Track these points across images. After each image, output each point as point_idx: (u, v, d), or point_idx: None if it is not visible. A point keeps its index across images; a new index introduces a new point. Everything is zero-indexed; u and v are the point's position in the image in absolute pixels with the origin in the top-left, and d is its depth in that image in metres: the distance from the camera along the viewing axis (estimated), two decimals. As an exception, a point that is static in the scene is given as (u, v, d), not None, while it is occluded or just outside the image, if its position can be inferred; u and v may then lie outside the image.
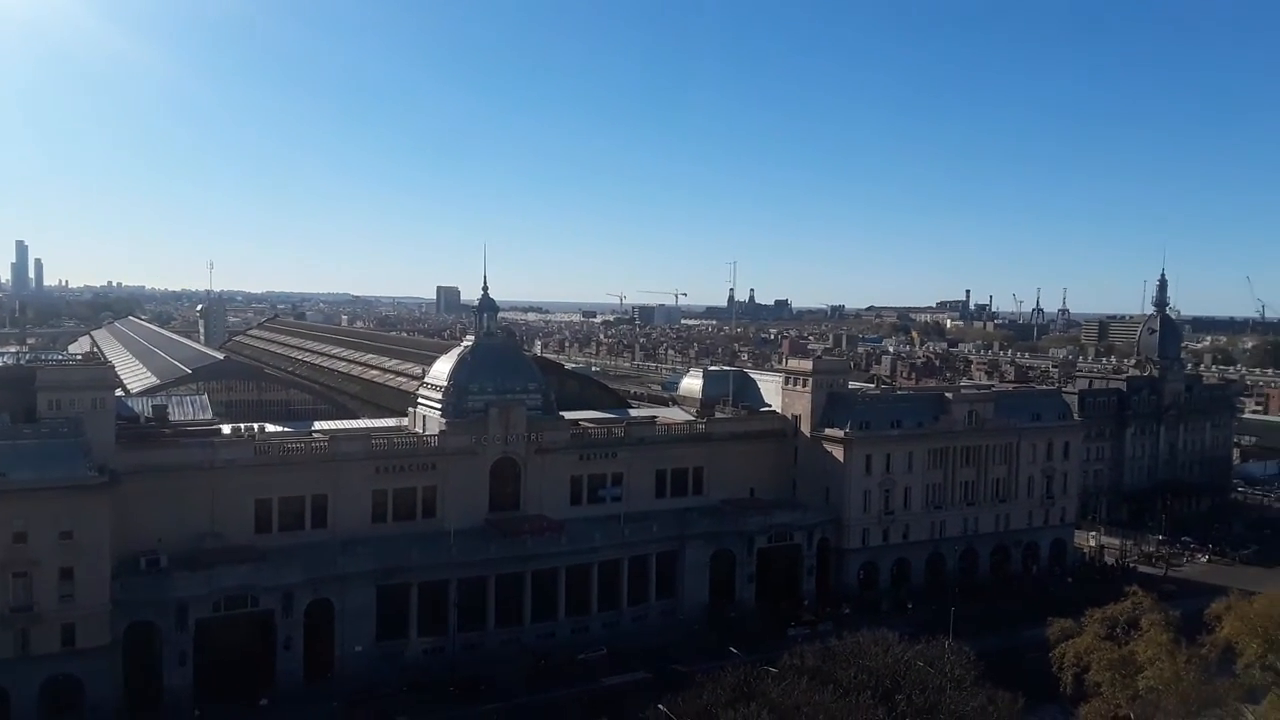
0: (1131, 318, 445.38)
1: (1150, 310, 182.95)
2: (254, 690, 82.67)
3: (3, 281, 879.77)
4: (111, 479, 78.80)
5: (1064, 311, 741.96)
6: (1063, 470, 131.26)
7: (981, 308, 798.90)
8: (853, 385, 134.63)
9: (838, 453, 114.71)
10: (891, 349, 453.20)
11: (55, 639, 76.53)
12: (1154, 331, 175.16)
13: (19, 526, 74.91)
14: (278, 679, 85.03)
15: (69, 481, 76.38)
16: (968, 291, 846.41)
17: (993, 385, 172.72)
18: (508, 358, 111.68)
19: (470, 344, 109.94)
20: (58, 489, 75.85)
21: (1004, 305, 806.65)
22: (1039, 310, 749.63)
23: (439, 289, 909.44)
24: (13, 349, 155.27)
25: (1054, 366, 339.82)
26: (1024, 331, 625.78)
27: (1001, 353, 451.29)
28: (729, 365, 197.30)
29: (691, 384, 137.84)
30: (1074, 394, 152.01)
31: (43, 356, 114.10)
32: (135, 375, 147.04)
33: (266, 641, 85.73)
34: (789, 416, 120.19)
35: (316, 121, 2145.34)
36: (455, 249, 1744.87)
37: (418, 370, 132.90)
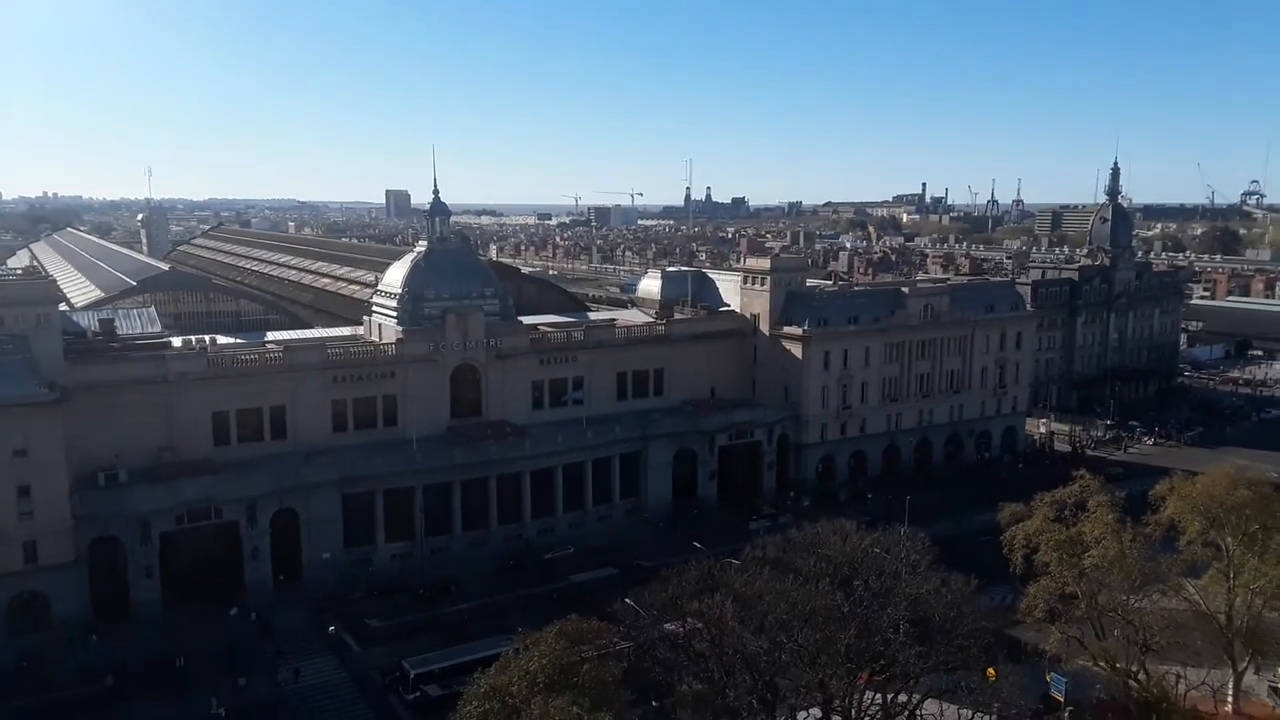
0: (1084, 207, 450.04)
1: (1103, 199, 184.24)
2: (224, 600, 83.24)
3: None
4: (63, 395, 77.26)
5: (1018, 203, 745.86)
6: (1015, 360, 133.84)
7: (937, 201, 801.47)
8: (811, 283, 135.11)
9: (796, 350, 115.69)
10: (849, 245, 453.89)
11: (17, 557, 76.14)
12: (1106, 220, 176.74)
13: (-31, 447, 73.57)
14: (247, 588, 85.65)
15: (19, 399, 74.82)
16: (924, 185, 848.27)
17: (948, 279, 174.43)
18: (463, 263, 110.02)
19: (423, 250, 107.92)
20: (7, 407, 74.33)
21: (959, 198, 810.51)
22: (994, 202, 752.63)
23: (388, 193, 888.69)
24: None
25: (1008, 258, 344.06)
26: (979, 224, 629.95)
27: (957, 246, 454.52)
28: (687, 266, 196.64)
29: (650, 285, 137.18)
30: (1027, 285, 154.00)
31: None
32: (79, 289, 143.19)
33: (233, 552, 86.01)
34: (748, 316, 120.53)
35: (255, 20, 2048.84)
36: (404, 151, 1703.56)
37: (370, 278, 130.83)
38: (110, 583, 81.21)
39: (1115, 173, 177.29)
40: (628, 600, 58.40)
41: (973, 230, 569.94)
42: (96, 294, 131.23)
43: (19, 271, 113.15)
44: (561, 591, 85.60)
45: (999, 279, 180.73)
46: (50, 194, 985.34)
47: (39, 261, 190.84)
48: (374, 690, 70.97)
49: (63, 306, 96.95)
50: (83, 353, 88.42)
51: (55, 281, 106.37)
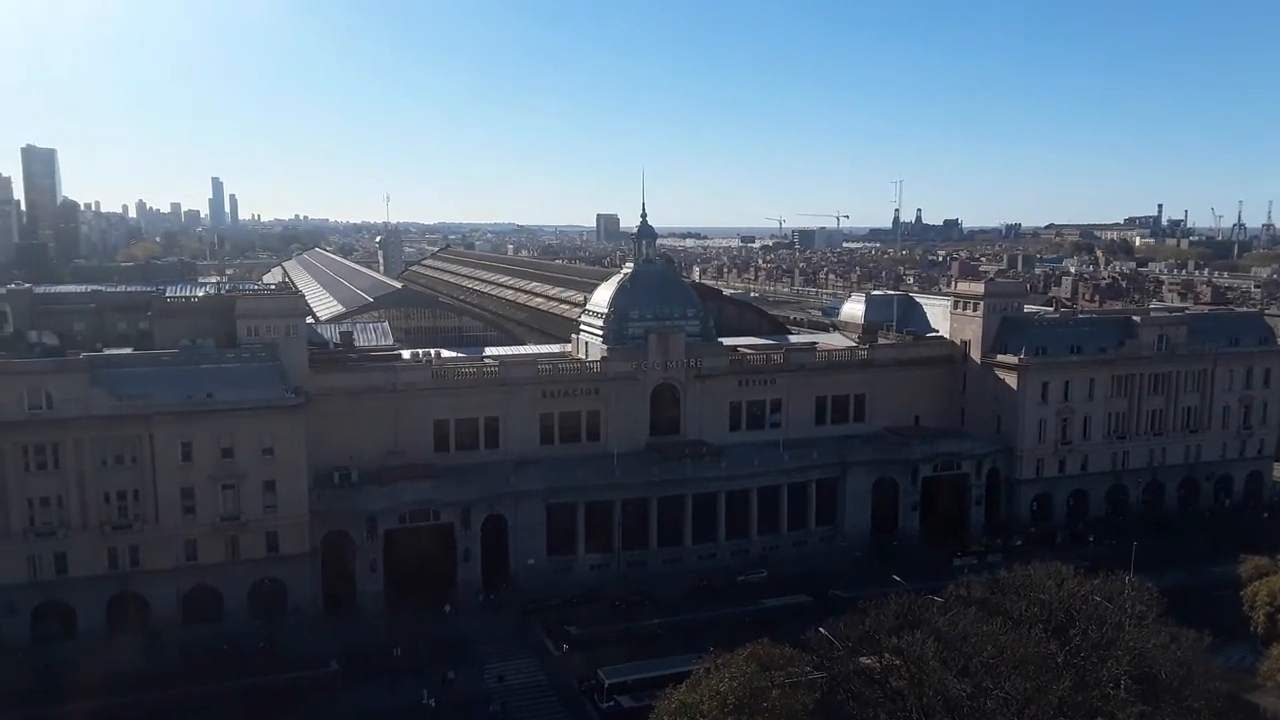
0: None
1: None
2: (438, 597, 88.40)
3: (202, 216, 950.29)
4: (306, 400, 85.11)
5: (1269, 226, 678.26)
6: (1263, 399, 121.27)
7: (1175, 224, 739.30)
8: (1029, 308, 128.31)
9: (1011, 380, 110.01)
10: (1073, 269, 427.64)
11: (261, 545, 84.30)
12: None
13: (226, 443, 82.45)
14: (458, 587, 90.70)
15: (269, 402, 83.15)
16: (1160, 206, 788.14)
17: (1186, 308, 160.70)
18: (666, 284, 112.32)
19: (629, 271, 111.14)
20: (259, 409, 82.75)
21: (1201, 221, 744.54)
22: (1240, 226, 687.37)
23: (599, 217, 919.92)
24: (213, 279, 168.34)
25: (1256, 287, 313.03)
26: (1223, 249, 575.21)
27: (1197, 272, 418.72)
28: (893, 289, 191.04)
29: (853, 309, 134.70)
30: (1278, 316, 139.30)
31: (240, 286, 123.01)
32: (323, 303, 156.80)
33: (447, 552, 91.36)
34: (957, 342, 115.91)
35: (482, 61, 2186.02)
36: (614, 177, 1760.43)
37: (579, 298, 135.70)
38: (338, 574, 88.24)
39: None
40: (821, 630, 57.28)
41: (1215, 256, 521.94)
42: (338, 308, 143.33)
43: (273, 287, 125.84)
44: (753, 615, 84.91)
45: (1245, 309, 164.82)
46: (301, 217, 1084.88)
47: (289, 278, 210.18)
48: (571, 695, 73.18)
49: (309, 319, 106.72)
50: (324, 361, 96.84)
51: (303, 296, 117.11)
